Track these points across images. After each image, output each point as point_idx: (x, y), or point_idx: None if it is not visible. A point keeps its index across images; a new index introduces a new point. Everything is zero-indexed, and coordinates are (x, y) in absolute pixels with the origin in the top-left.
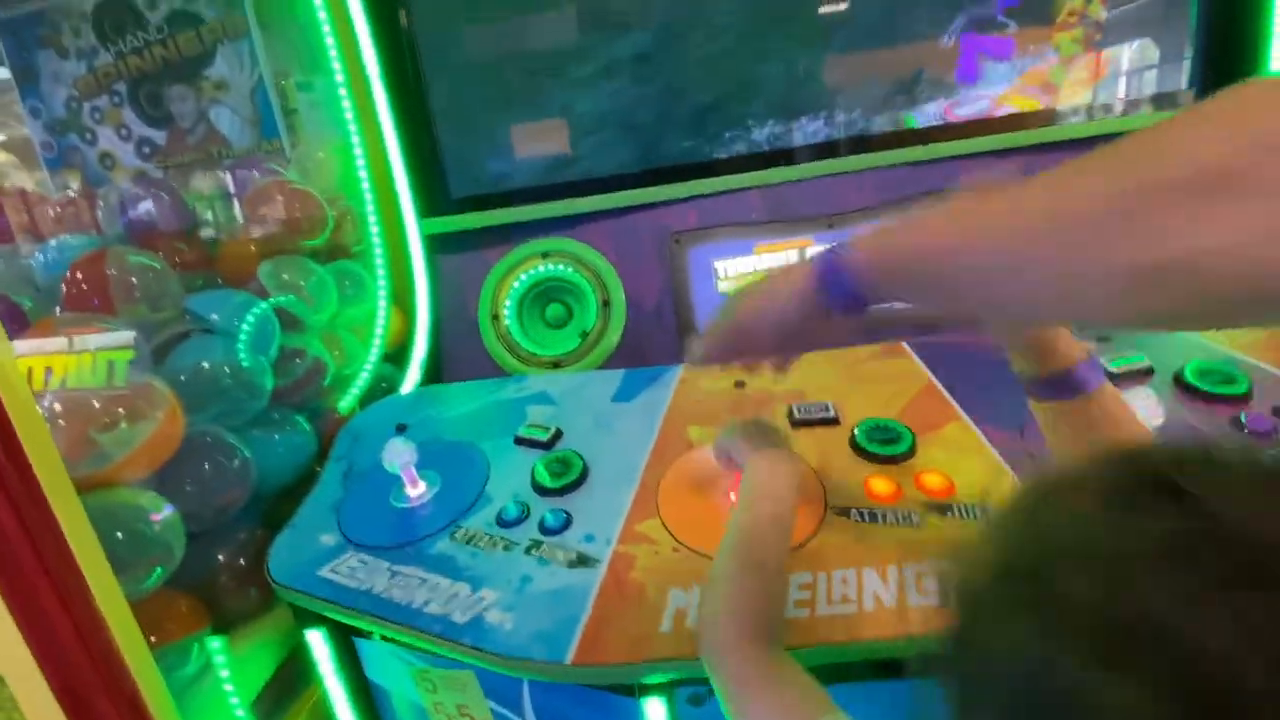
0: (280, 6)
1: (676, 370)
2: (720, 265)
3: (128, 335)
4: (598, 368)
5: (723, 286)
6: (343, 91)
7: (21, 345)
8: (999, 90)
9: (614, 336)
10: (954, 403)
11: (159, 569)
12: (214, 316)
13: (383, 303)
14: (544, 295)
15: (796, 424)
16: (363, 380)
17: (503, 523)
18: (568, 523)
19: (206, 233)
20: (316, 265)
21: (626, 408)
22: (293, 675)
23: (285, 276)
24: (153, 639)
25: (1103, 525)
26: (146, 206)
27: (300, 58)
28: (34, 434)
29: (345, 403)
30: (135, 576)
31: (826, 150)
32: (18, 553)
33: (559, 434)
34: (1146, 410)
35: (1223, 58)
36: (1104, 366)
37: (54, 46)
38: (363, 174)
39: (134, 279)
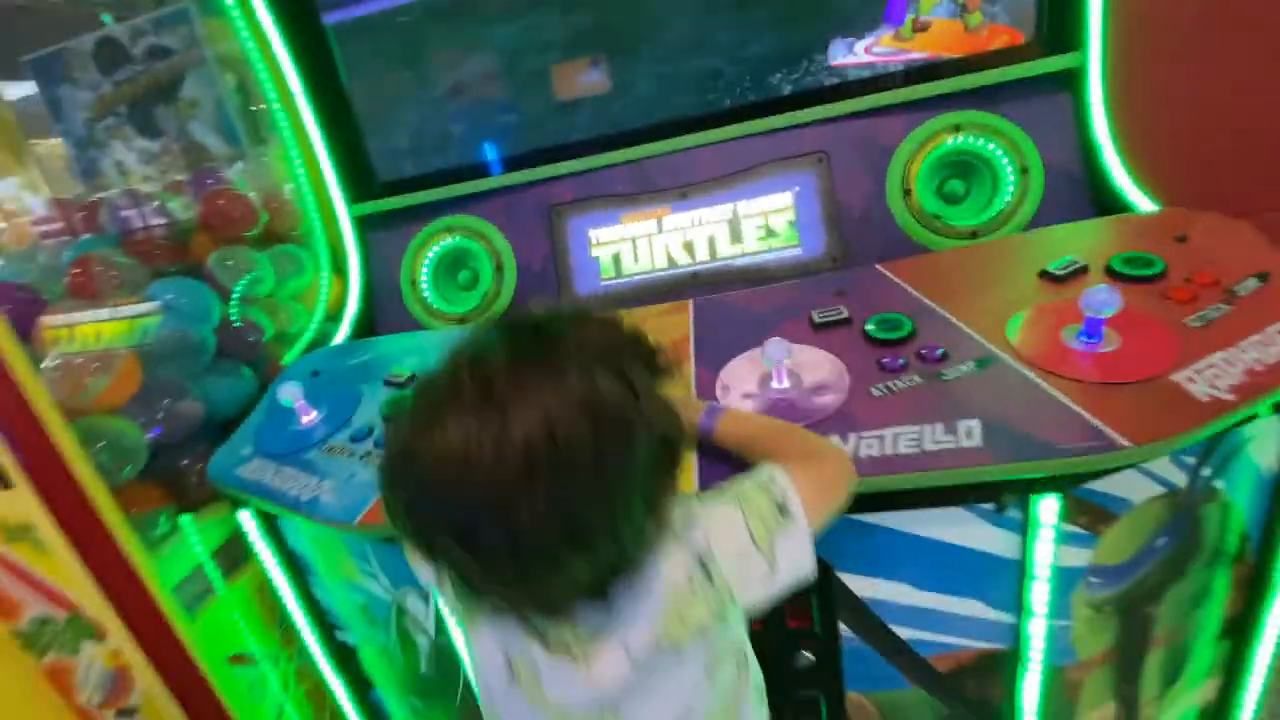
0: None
1: None
2: (593, 233)
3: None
4: None
5: (595, 252)
6: (276, 104)
7: (83, 315)
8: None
9: (507, 295)
10: (691, 353)
11: (128, 467)
12: (169, 297)
13: (323, 275)
14: (455, 263)
15: None
16: (305, 337)
17: (355, 439)
18: None
19: (178, 230)
20: (255, 252)
21: None
22: (240, 544)
23: (229, 263)
24: (132, 510)
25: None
26: (132, 214)
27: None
28: (37, 390)
29: (290, 354)
30: (113, 472)
31: (683, 127)
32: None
33: (413, 377)
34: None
35: None
36: (718, 409)
37: (69, 80)
38: (300, 170)
39: (114, 274)
